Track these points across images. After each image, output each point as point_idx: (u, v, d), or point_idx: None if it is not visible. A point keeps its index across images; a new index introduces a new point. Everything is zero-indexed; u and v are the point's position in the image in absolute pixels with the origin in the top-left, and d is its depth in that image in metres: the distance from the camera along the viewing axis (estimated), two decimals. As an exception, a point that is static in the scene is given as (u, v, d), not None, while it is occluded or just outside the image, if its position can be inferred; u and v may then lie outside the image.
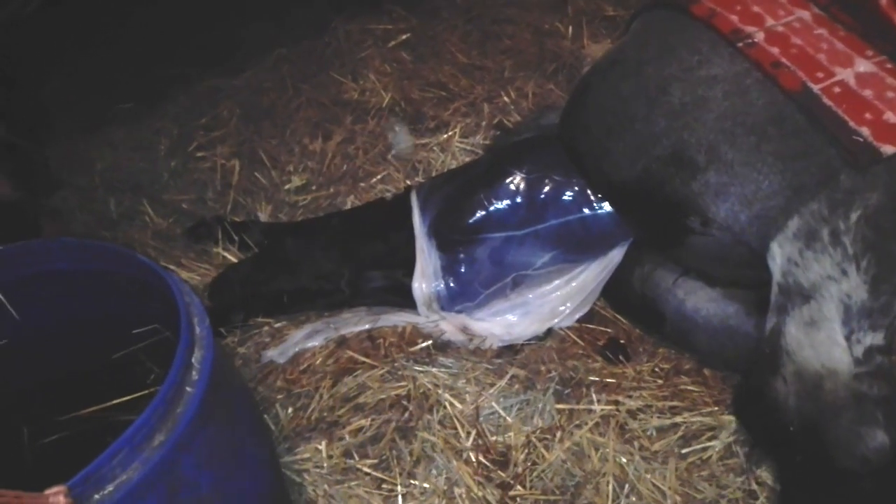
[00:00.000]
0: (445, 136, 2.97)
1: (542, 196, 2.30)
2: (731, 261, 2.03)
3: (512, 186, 2.32)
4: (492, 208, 2.32)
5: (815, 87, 1.84)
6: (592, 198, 2.28)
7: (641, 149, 2.05)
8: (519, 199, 2.31)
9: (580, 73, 3.00)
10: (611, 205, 2.25)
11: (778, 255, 1.86)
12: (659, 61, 2.06)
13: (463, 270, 2.36)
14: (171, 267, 2.53)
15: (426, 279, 2.36)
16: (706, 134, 1.93)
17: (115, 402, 1.40)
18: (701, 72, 1.97)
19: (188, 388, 1.20)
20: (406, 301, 2.39)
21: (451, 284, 2.36)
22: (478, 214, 2.32)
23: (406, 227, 2.40)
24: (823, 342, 1.76)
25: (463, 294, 2.37)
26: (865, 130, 1.77)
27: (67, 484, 1.02)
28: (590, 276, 2.37)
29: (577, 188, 2.29)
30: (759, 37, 1.95)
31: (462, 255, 2.36)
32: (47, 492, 0.99)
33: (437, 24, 3.50)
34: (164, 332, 1.47)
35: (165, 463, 1.14)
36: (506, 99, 3.11)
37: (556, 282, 2.39)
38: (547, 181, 2.30)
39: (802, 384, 1.78)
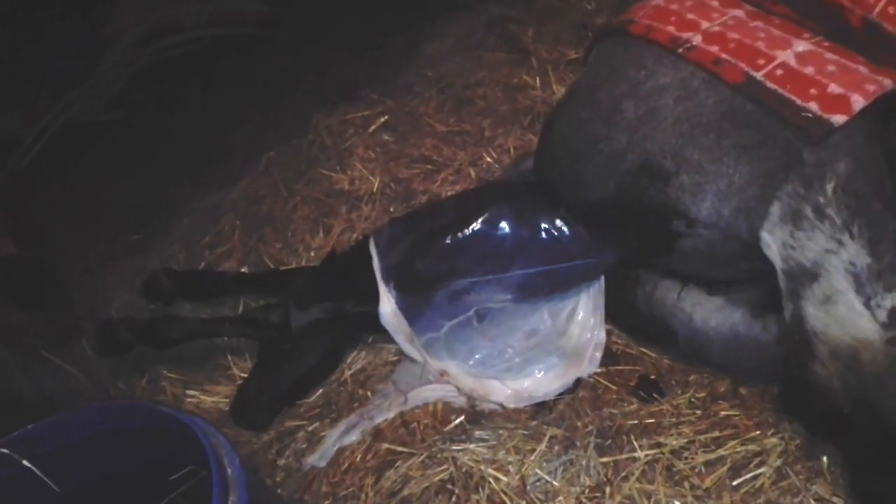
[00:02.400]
0: (439, 205, 3.02)
1: (508, 247, 2.32)
2: (724, 257, 2.05)
3: (477, 239, 2.33)
4: (456, 263, 2.34)
5: (758, 74, 1.89)
6: (561, 249, 2.31)
7: (609, 167, 2.10)
8: (484, 251, 2.33)
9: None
10: (594, 227, 2.28)
11: (771, 242, 1.88)
12: (609, 83, 2.13)
13: (421, 310, 2.38)
14: (194, 393, 2.59)
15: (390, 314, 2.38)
16: (667, 140, 1.98)
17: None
18: (649, 84, 2.04)
19: (230, 533, 1.22)
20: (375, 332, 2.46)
21: (413, 319, 2.39)
22: (441, 268, 2.35)
23: (368, 272, 2.41)
24: (845, 315, 1.75)
25: (426, 327, 2.40)
26: (813, 105, 1.81)
27: None
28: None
29: (544, 239, 2.31)
30: (697, 40, 2.01)
31: (420, 298, 2.38)
32: None
33: (412, 99, 3.60)
34: (199, 473, 1.50)
35: None
36: (489, 159, 3.17)
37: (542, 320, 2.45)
38: (512, 231, 2.32)
39: (841, 362, 1.77)
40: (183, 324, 2.51)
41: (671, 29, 2.05)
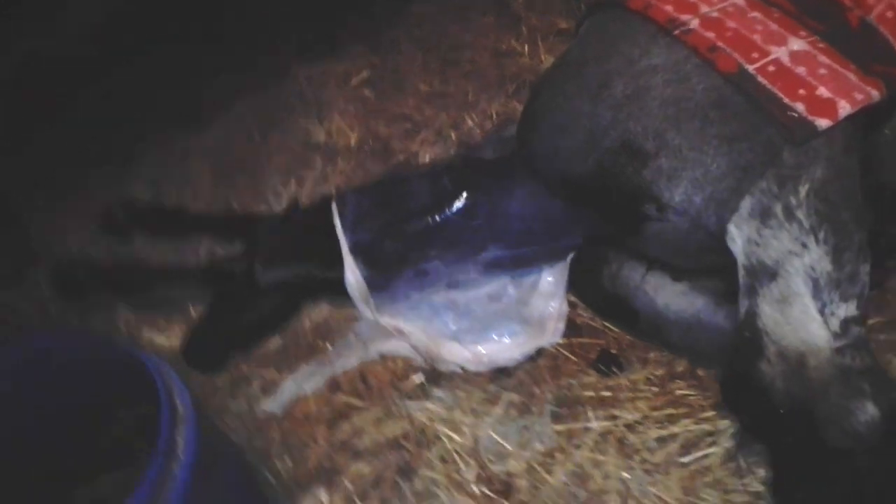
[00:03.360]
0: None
1: (481, 234, 2.31)
2: (690, 247, 2.05)
3: (450, 225, 2.30)
4: (427, 247, 2.32)
5: (751, 68, 1.87)
6: (533, 233, 2.33)
7: (591, 143, 2.07)
8: (456, 236, 2.32)
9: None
10: (567, 202, 2.27)
11: (737, 237, 1.88)
12: (600, 58, 2.10)
13: (389, 283, 2.37)
14: (150, 334, 2.54)
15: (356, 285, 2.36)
16: (652, 122, 1.95)
17: (103, 481, 1.39)
18: (641, 63, 2.00)
19: (175, 470, 1.19)
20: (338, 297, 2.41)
21: (380, 291, 2.37)
22: (411, 251, 2.32)
23: (332, 237, 2.37)
24: (799, 318, 1.77)
25: (393, 297, 2.39)
26: (800, 106, 1.80)
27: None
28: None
29: (518, 225, 2.32)
30: (695, 23, 1.98)
31: (389, 274, 2.36)
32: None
33: (396, 56, 3.52)
34: (147, 407, 1.47)
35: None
36: (470, 123, 3.13)
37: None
38: (486, 219, 2.30)
39: (787, 364, 1.79)
40: (145, 273, 2.46)
41: (669, 8, 2.01)
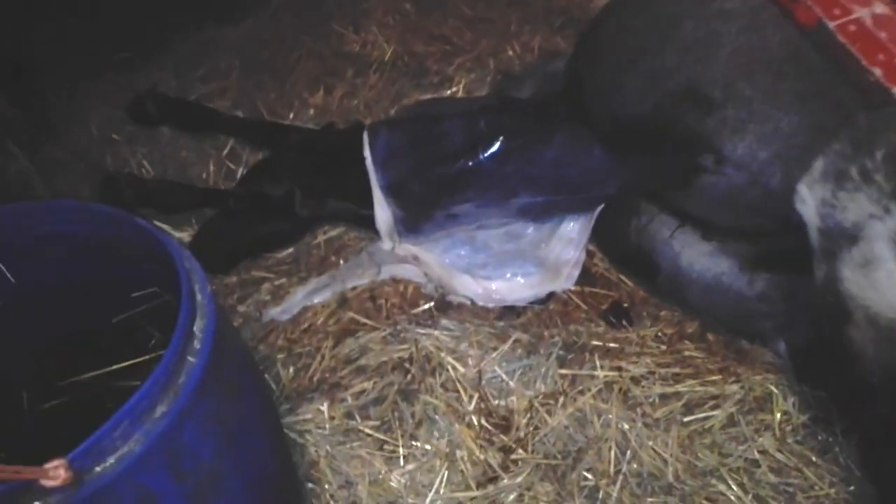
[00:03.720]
0: (449, 91, 2.90)
1: (515, 180, 2.25)
2: (739, 204, 2.00)
3: (484, 171, 2.24)
4: (459, 190, 2.27)
5: (831, 24, 1.80)
6: (568, 181, 2.27)
7: (652, 84, 2.01)
8: (490, 181, 2.26)
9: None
10: (615, 145, 2.20)
11: (808, 198, 1.82)
12: None
13: (419, 224, 2.34)
14: (163, 226, 2.49)
15: (384, 221, 2.34)
16: (721, 69, 1.89)
17: (114, 367, 1.37)
18: (714, 6, 1.93)
19: (190, 358, 1.17)
20: (367, 229, 2.41)
21: (411, 230, 2.35)
22: (444, 194, 2.27)
23: (358, 162, 2.33)
24: (885, 283, 1.70)
25: (424, 237, 2.37)
26: (878, 71, 1.74)
27: (68, 457, 1.00)
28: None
29: (552, 173, 2.25)
30: None
31: (420, 214, 2.33)
32: (47, 466, 0.97)
33: (442, -27, 3.38)
34: (163, 296, 1.44)
35: (167, 434, 1.12)
36: (510, 53, 3.02)
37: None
38: (521, 166, 2.24)
39: (877, 329, 1.73)
40: (189, 193, 2.42)
41: None
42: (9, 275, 1.33)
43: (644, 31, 2.03)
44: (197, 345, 1.17)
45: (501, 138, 2.22)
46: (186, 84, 2.98)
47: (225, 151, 2.73)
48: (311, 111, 2.87)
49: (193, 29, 3.19)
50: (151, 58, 3.12)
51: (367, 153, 2.30)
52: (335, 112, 2.85)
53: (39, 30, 2.99)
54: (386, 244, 2.38)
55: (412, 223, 2.34)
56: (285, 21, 3.22)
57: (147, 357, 1.37)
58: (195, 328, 1.19)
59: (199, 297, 1.23)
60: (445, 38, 3.08)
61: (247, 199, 2.43)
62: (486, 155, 2.23)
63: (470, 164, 2.23)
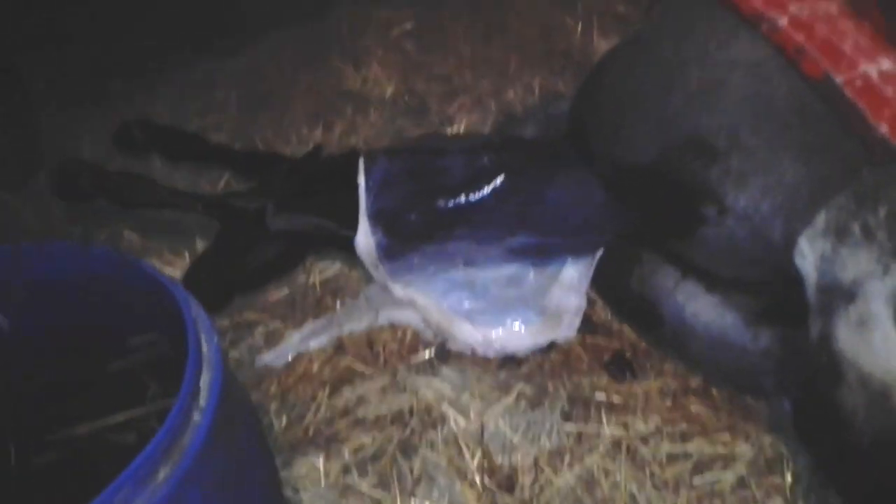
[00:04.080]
0: (450, 130, 2.87)
1: (514, 219, 2.19)
2: (742, 256, 1.95)
3: (483, 208, 2.17)
4: (455, 226, 2.19)
5: (838, 78, 1.78)
6: (568, 224, 2.22)
7: (655, 131, 1.97)
8: (488, 219, 2.19)
9: (589, 69, 2.94)
10: (616, 191, 2.15)
11: (808, 252, 1.78)
12: (675, 43, 1.99)
13: (406, 253, 2.24)
14: (153, 261, 2.42)
15: (367, 249, 2.23)
16: (726, 118, 1.86)
17: (110, 421, 1.28)
18: (720, 54, 1.90)
19: (195, 417, 1.09)
20: (345, 251, 2.29)
21: (395, 259, 2.24)
22: (438, 228, 2.20)
23: (348, 187, 2.22)
24: (880, 345, 1.65)
25: (408, 268, 2.27)
26: (884, 126, 1.71)
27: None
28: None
29: (553, 215, 2.20)
30: (783, 22, 1.86)
31: (408, 246, 2.23)
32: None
33: (444, 12, 3.39)
34: (163, 344, 1.36)
35: (171, 498, 1.03)
36: (512, 94, 3.01)
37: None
38: (522, 205, 2.18)
39: (869, 393, 1.67)
40: (152, 188, 2.28)
41: (758, 2, 1.90)
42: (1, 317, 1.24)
43: (648, 77, 2.01)
44: (202, 402, 1.09)
45: (503, 175, 2.17)
46: (183, 116, 2.93)
47: (220, 184, 2.66)
48: (309, 147, 2.81)
49: (193, 61, 3.15)
50: (149, 89, 3.07)
51: (361, 179, 2.22)
52: (334, 148, 2.80)
53: (36, 55, 2.93)
54: (375, 276, 2.28)
55: (398, 252, 2.24)
56: (285, 56, 3.19)
57: (144, 410, 1.27)
58: (201, 383, 1.10)
59: (205, 348, 1.15)
60: (446, 78, 3.06)
61: (216, 207, 2.31)
62: (486, 191, 2.17)
63: (469, 199, 2.17)
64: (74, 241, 1.85)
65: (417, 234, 2.22)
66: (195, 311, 1.19)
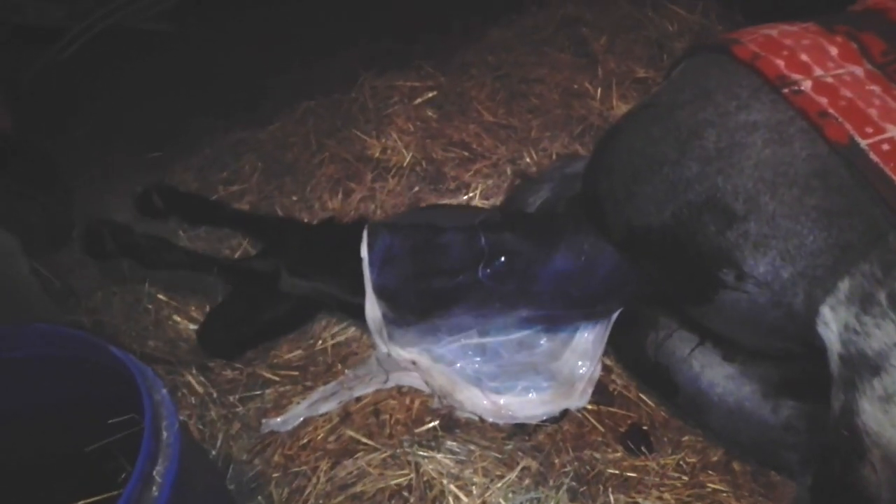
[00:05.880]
0: (465, 197, 2.89)
1: (516, 295, 2.19)
2: (762, 325, 1.86)
3: (485, 285, 2.17)
4: (458, 302, 2.21)
5: (863, 143, 1.70)
6: (570, 298, 2.19)
7: (671, 193, 1.91)
8: (490, 295, 2.19)
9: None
10: (629, 254, 2.11)
11: (832, 321, 1.69)
12: (693, 104, 1.94)
13: (412, 325, 2.28)
14: (178, 318, 2.51)
15: (374, 319, 2.27)
16: (744, 182, 1.79)
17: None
18: (739, 117, 1.84)
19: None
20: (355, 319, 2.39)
21: (402, 330, 2.29)
22: (440, 305, 2.21)
23: (355, 257, 2.26)
24: None
25: (417, 340, 2.31)
26: None
27: None
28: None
29: (554, 290, 2.18)
30: (807, 85, 1.80)
31: (412, 322, 2.28)
32: None
33: (465, 80, 3.44)
34: (140, 424, 1.37)
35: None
36: (528, 160, 3.01)
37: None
38: (523, 284, 2.18)
39: (893, 472, 1.58)
40: (171, 251, 2.39)
41: (780, 64, 1.84)
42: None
43: (665, 139, 1.96)
44: (155, 491, 1.09)
45: (502, 258, 2.16)
46: (208, 185, 3.04)
47: (238, 252, 2.73)
48: (329, 214, 2.87)
49: (222, 130, 3.28)
50: (179, 158, 3.20)
51: (364, 252, 2.25)
52: (352, 216, 2.85)
53: (75, 126, 3.11)
54: (378, 343, 2.32)
55: (402, 323, 2.28)
56: (310, 125, 3.28)
57: (107, 496, 1.28)
58: (155, 472, 1.11)
59: (164, 434, 1.16)
60: (464, 144, 3.09)
61: (231, 270, 2.40)
62: (484, 274, 2.16)
63: (468, 280, 2.17)
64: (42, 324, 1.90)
65: (418, 311, 2.25)
66: (157, 394, 1.20)
